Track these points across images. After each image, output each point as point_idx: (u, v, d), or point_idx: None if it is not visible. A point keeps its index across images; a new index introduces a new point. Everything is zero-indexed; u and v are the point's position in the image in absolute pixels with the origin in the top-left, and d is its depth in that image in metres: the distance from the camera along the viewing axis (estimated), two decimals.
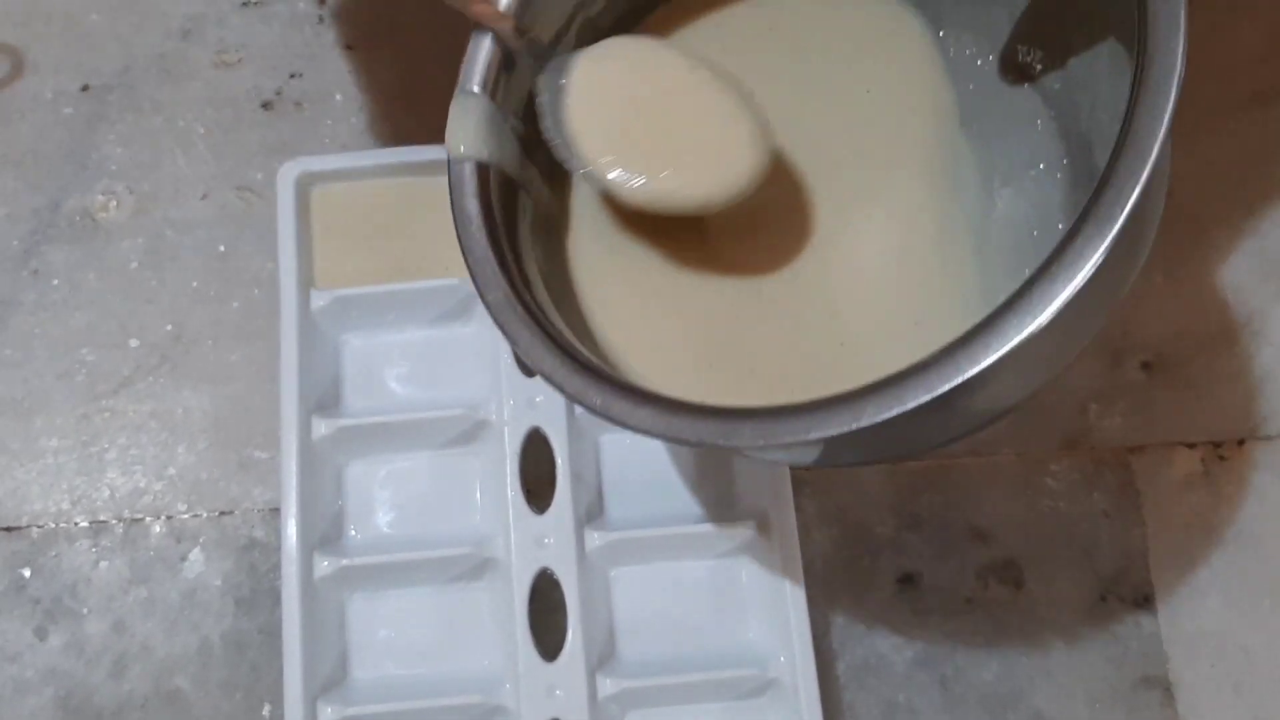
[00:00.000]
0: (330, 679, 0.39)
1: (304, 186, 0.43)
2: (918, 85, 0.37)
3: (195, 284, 0.44)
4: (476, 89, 0.33)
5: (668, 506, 0.40)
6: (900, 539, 0.41)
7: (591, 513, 0.40)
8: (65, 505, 0.42)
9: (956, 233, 0.35)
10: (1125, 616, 0.40)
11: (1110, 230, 0.26)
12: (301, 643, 0.38)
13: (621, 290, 0.35)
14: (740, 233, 0.35)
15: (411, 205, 0.43)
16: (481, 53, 0.33)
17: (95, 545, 0.42)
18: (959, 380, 0.26)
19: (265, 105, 0.46)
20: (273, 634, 0.40)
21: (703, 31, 0.37)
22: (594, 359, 0.31)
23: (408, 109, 0.46)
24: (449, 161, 0.32)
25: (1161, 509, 0.41)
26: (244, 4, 0.47)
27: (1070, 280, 0.26)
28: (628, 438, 0.41)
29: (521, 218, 0.34)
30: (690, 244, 0.35)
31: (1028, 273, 0.33)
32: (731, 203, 0.33)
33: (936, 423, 0.32)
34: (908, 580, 0.41)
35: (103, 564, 0.41)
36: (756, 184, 0.33)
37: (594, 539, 0.39)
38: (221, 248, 0.45)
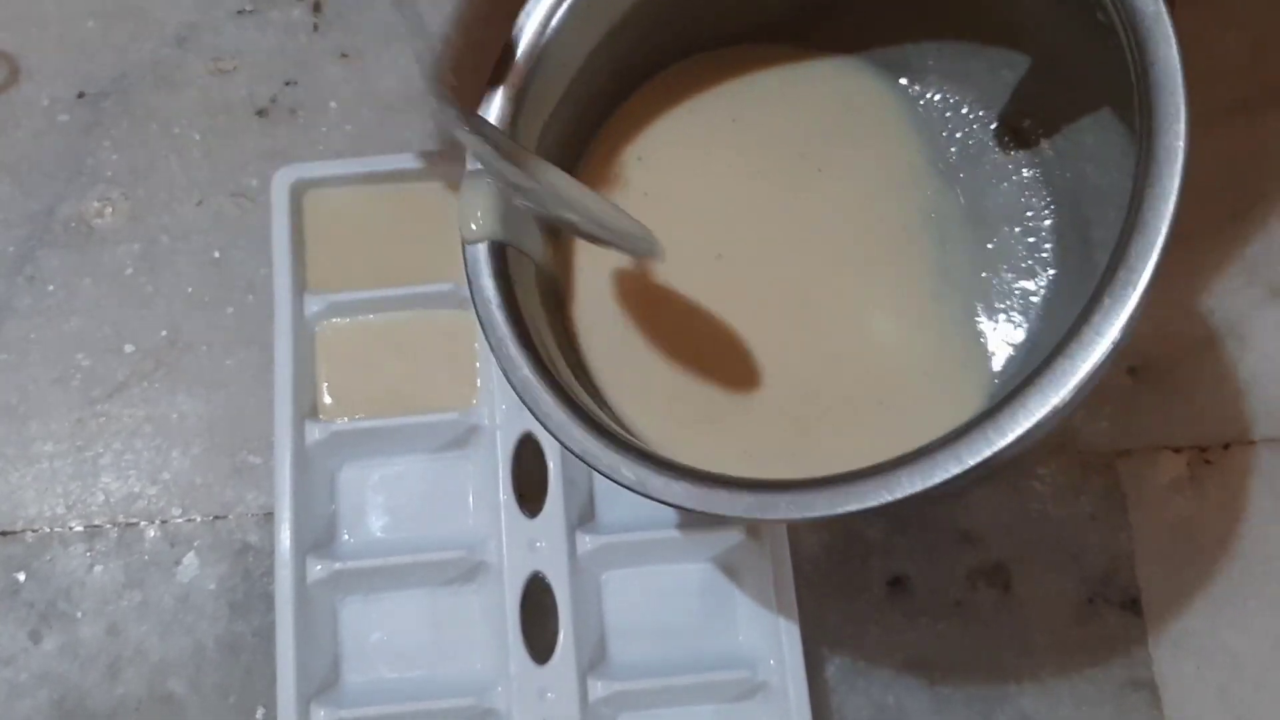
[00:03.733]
0: (323, 682, 0.39)
1: (298, 193, 0.43)
2: (890, 142, 0.38)
3: (190, 289, 0.44)
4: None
5: (658, 510, 0.40)
6: (889, 542, 0.41)
7: (583, 516, 0.40)
8: (60, 509, 0.42)
9: (947, 281, 0.36)
10: (1112, 619, 0.40)
11: (1127, 310, 0.28)
12: (295, 646, 0.38)
13: (628, 358, 0.36)
14: (735, 307, 0.36)
15: (405, 212, 0.43)
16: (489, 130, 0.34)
17: (90, 549, 0.42)
18: (988, 454, 0.28)
19: (260, 112, 0.46)
20: (266, 637, 0.40)
21: (670, 129, 0.38)
22: (621, 431, 0.31)
23: (401, 116, 0.46)
24: (463, 243, 0.33)
25: (1148, 513, 0.41)
26: (239, 12, 0.48)
27: (1089, 359, 0.28)
28: None
29: (530, 293, 0.34)
30: (690, 317, 0.36)
31: (1021, 320, 0.35)
32: None
33: (954, 485, 0.33)
34: (897, 583, 0.41)
35: (97, 568, 0.42)
36: None
37: (585, 542, 0.39)
38: (216, 254, 0.45)
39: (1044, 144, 0.36)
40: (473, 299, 0.33)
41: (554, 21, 0.34)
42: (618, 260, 0.37)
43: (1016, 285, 0.36)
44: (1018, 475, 0.42)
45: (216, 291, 0.44)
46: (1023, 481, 0.42)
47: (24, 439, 0.43)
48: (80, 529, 0.42)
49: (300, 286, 0.42)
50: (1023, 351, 0.35)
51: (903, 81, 0.38)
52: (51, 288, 0.45)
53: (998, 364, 0.35)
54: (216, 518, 0.42)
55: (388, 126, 0.46)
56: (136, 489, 0.42)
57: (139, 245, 0.45)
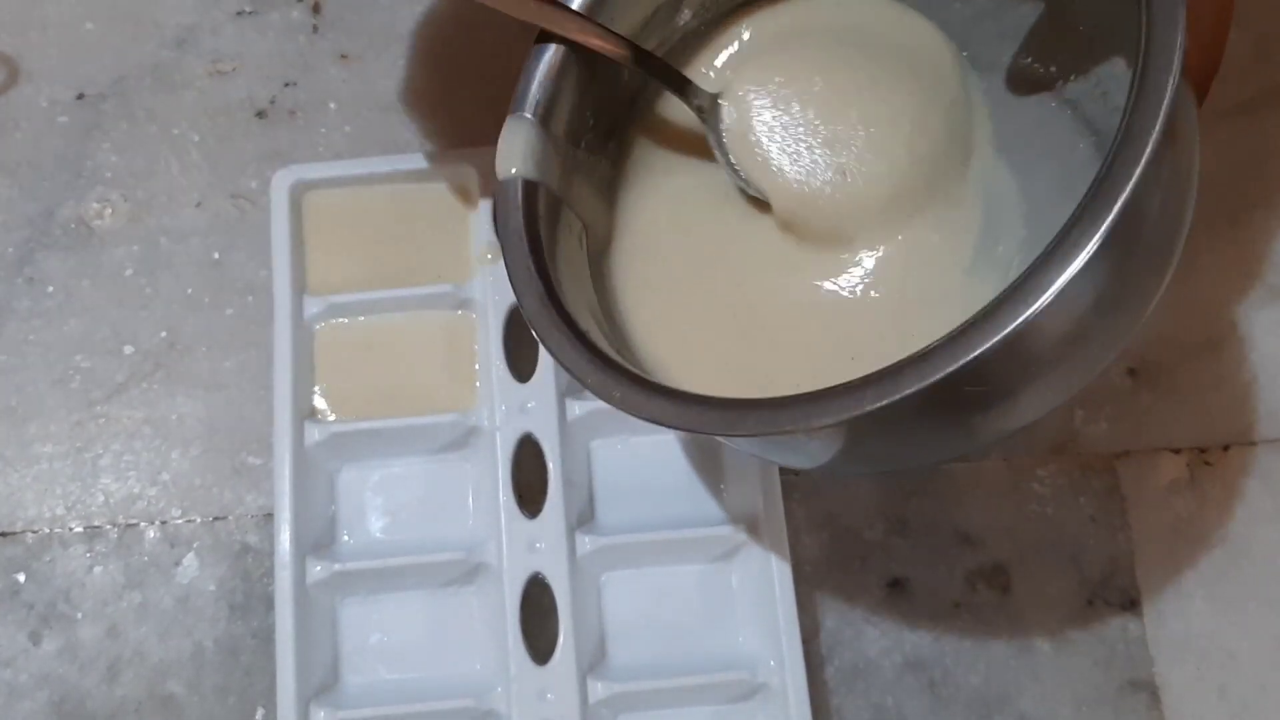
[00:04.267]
0: (323, 683, 0.39)
1: (297, 194, 0.43)
2: (959, 112, 0.37)
3: (189, 291, 0.44)
4: (528, 114, 0.35)
5: (658, 511, 0.40)
6: (889, 543, 0.41)
7: (583, 518, 0.40)
8: (60, 511, 0.42)
9: (990, 259, 0.35)
10: (1111, 620, 0.40)
11: (1102, 222, 0.27)
12: (294, 647, 0.38)
13: (657, 304, 0.36)
14: (771, 250, 0.37)
15: (404, 213, 0.43)
16: (534, 80, 0.35)
17: (89, 550, 0.42)
18: (951, 368, 0.27)
19: (259, 114, 0.46)
20: (266, 639, 0.40)
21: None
22: (620, 359, 0.32)
23: (400, 118, 0.46)
24: (497, 180, 0.34)
25: (1147, 514, 0.41)
26: (239, 14, 0.48)
27: (1062, 271, 0.27)
28: (619, 443, 0.41)
29: (566, 236, 0.35)
30: (726, 260, 0.37)
31: None
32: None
33: (940, 428, 0.32)
34: (896, 584, 0.41)
35: (97, 569, 0.42)
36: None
37: (585, 544, 0.39)
38: (215, 255, 0.45)
39: (1099, 119, 0.35)
40: (497, 230, 0.34)
41: None
42: (660, 214, 0.38)
43: None
44: (1017, 476, 0.42)
45: (216, 293, 0.44)
46: (1022, 483, 0.42)
47: (23, 440, 0.43)
48: (80, 530, 0.42)
49: (300, 288, 0.42)
50: None
51: (965, 54, 0.38)
52: (51, 289, 0.45)
53: None
54: (216, 519, 0.42)
55: (387, 128, 0.46)
56: (136, 490, 0.43)
57: (138, 247, 0.45)
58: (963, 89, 0.37)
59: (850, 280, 0.36)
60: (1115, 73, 0.34)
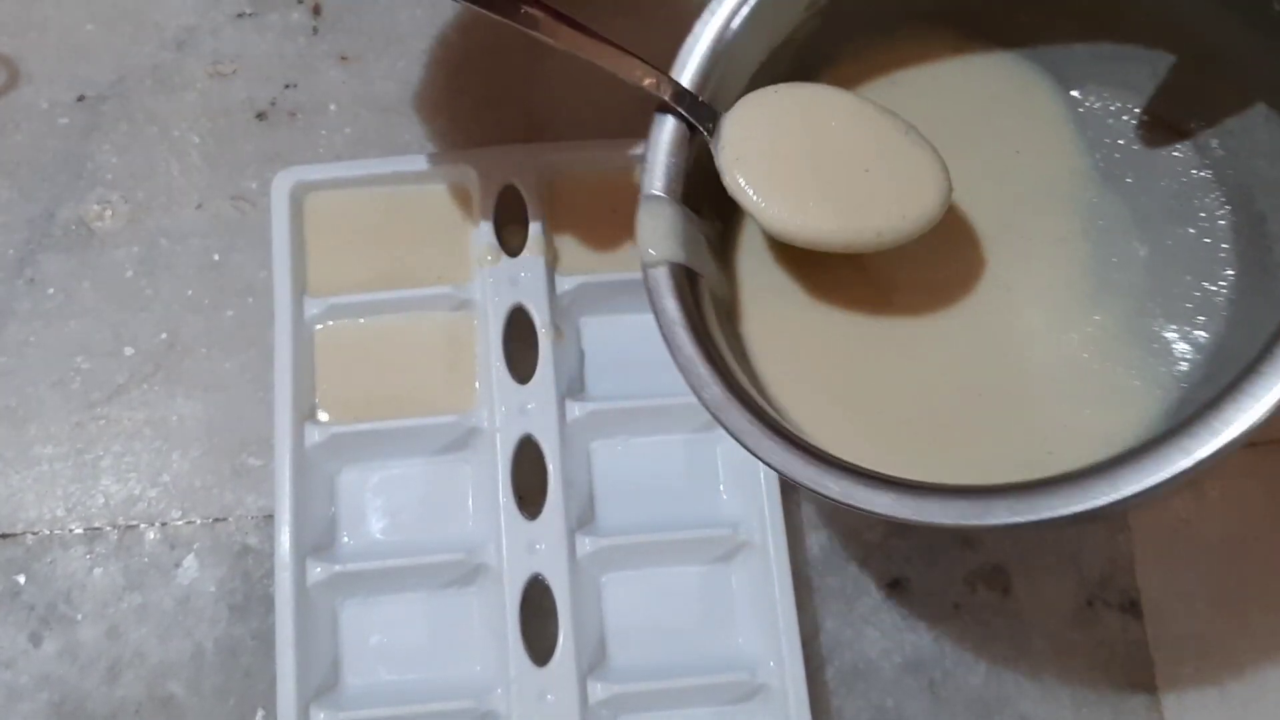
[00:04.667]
0: (323, 684, 0.39)
1: (298, 196, 0.43)
2: (1053, 147, 0.37)
3: (189, 292, 0.44)
4: (660, 191, 0.34)
5: (658, 512, 0.41)
6: (889, 545, 0.41)
7: (583, 519, 0.40)
8: (60, 512, 0.42)
9: (1110, 287, 0.35)
10: (1111, 621, 0.40)
11: None
12: (295, 648, 0.38)
13: (796, 364, 0.36)
14: (896, 305, 0.36)
15: (404, 214, 0.43)
16: (660, 153, 0.35)
17: (90, 552, 0.42)
18: (1218, 446, 0.27)
19: (259, 115, 0.47)
20: (266, 640, 0.40)
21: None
22: (815, 444, 0.31)
23: (401, 119, 0.46)
24: (643, 266, 0.34)
25: (1147, 515, 0.41)
26: (239, 15, 0.48)
27: None
28: (619, 444, 0.41)
29: (708, 311, 0.35)
30: (853, 324, 0.36)
31: (1204, 322, 0.34)
32: (907, 240, 0.34)
33: (1178, 480, 0.31)
34: (896, 585, 0.41)
35: (97, 570, 0.42)
36: (936, 220, 0.34)
37: (585, 545, 0.39)
38: (216, 256, 0.45)
39: (1213, 143, 0.35)
40: (656, 320, 0.33)
41: (736, 20, 0.35)
42: (783, 273, 0.37)
43: (1195, 288, 0.35)
44: None
45: (216, 294, 0.44)
46: None
47: (24, 442, 0.43)
48: (80, 531, 0.42)
49: (300, 289, 0.42)
50: (1209, 354, 0.34)
51: (1074, 94, 0.38)
52: (51, 291, 0.45)
53: (1182, 368, 0.34)
54: (216, 520, 0.42)
55: (387, 129, 0.46)
56: (136, 491, 0.43)
57: (138, 248, 0.45)
58: (1061, 121, 0.37)
59: (958, 330, 0.36)
60: (1228, 105, 0.35)
